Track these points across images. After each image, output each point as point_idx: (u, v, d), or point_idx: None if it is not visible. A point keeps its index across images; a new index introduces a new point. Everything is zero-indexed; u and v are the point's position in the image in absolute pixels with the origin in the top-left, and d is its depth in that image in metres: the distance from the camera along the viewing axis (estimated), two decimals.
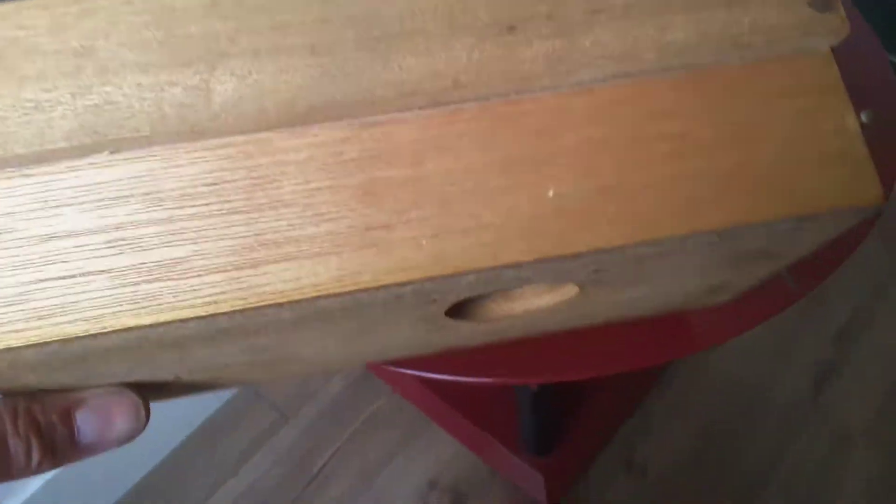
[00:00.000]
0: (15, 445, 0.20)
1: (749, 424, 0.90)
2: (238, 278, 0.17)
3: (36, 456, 0.20)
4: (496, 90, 0.18)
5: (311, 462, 0.94)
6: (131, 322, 0.17)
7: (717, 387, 0.94)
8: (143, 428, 0.22)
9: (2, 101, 0.17)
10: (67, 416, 0.21)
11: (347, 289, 0.17)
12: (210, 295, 0.17)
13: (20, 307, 0.16)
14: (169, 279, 0.17)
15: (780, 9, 0.19)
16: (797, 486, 0.85)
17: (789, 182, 0.19)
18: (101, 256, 0.17)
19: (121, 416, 0.22)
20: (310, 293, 0.17)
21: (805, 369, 0.94)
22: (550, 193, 0.18)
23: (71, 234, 0.17)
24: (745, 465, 0.87)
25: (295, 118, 0.18)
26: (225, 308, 0.17)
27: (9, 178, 0.17)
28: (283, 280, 0.17)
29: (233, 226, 0.17)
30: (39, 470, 0.21)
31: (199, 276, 0.17)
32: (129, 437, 0.22)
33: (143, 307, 0.17)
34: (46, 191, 0.17)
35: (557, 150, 0.19)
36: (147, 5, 0.17)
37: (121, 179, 0.17)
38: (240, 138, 0.17)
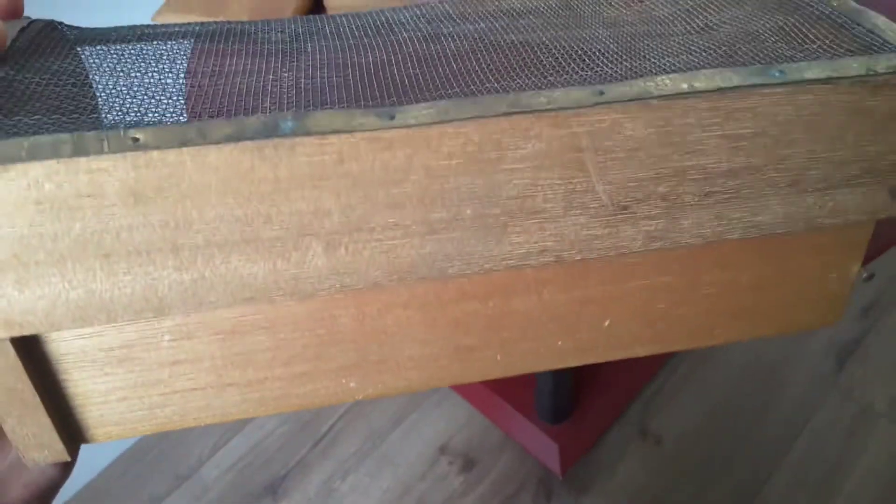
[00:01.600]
0: None
1: (767, 398, 0.88)
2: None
3: None
4: (589, 256, 0.21)
5: (319, 423, 0.92)
6: None
7: (736, 361, 0.92)
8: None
9: None
10: None
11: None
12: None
13: None
14: None
15: (863, 197, 0.22)
16: (816, 461, 0.83)
17: (783, 313, 0.26)
18: None
19: None
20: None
21: (827, 346, 0.92)
22: (606, 323, 0.24)
23: None
24: (762, 437, 0.85)
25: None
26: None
27: None
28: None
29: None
30: None
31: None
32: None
33: None
34: None
35: (620, 294, 0.24)
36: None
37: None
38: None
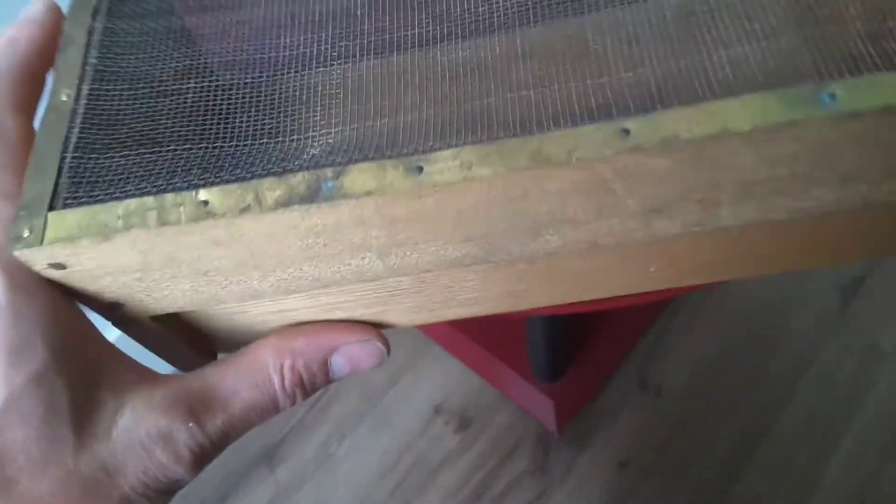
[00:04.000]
0: (283, 401, 0.24)
1: (770, 342, 0.86)
2: None
3: (300, 400, 0.24)
4: (625, 243, 0.21)
5: None
6: None
7: (737, 305, 0.89)
8: (382, 362, 0.25)
9: None
10: (325, 365, 0.24)
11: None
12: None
13: None
14: None
15: None
16: (821, 403, 0.82)
17: (847, 249, 0.25)
18: None
19: (367, 360, 0.24)
20: None
21: (830, 286, 0.89)
22: (652, 269, 0.24)
23: None
24: (765, 381, 0.84)
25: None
26: None
27: None
28: None
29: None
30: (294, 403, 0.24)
31: None
32: (370, 369, 0.25)
33: None
34: None
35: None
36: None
37: None
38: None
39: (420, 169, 0.19)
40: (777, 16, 0.20)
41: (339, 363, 0.24)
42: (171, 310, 0.23)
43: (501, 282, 0.25)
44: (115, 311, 0.22)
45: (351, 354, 0.24)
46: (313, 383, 0.24)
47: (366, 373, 0.25)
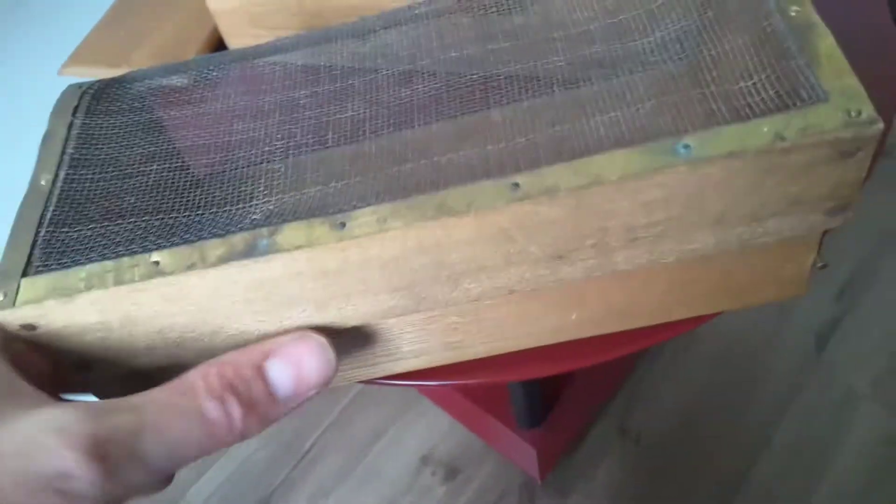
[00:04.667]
0: (213, 408, 0.20)
1: (748, 387, 0.88)
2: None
3: (237, 414, 0.21)
4: (538, 287, 0.24)
5: (301, 440, 0.92)
6: None
7: (714, 350, 0.91)
8: (334, 372, 0.23)
9: None
10: (259, 370, 0.22)
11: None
12: None
13: None
14: None
15: (797, 219, 0.23)
16: (799, 448, 0.83)
17: (744, 294, 0.28)
18: None
19: (309, 359, 0.22)
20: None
21: (805, 330, 0.91)
22: (573, 317, 0.27)
23: None
24: (744, 427, 0.85)
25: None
26: None
27: None
28: None
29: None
30: (247, 430, 0.21)
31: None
32: (323, 381, 0.22)
33: None
34: None
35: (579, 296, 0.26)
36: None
37: None
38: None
39: (343, 224, 0.21)
40: (646, 86, 0.23)
41: (277, 367, 0.22)
42: (134, 369, 0.24)
43: (437, 334, 0.27)
44: (82, 376, 0.24)
45: (288, 354, 0.22)
46: (249, 393, 0.21)
47: (318, 386, 0.22)
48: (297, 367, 0.22)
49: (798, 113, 0.20)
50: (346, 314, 0.24)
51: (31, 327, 0.22)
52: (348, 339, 0.26)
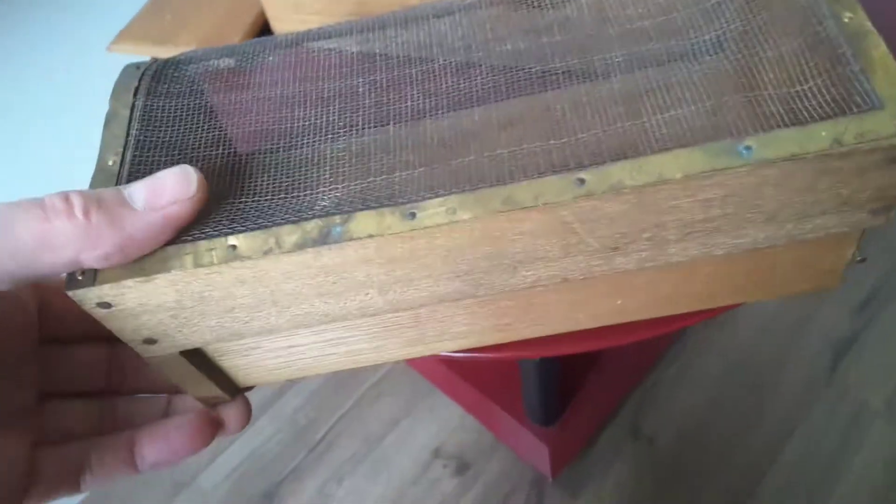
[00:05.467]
0: (51, 196, 0.21)
1: (762, 397, 0.88)
2: None
3: (77, 202, 0.21)
4: (591, 276, 0.25)
5: (315, 429, 0.93)
6: None
7: (730, 358, 0.91)
8: (196, 187, 0.22)
9: None
10: (116, 188, 0.22)
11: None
12: None
13: None
14: None
15: (842, 217, 0.23)
16: (810, 461, 0.83)
17: (782, 284, 0.29)
18: None
19: (168, 173, 0.22)
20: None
21: (823, 344, 0.91)
22: (618, 302, 0.28)
23: None
24: (756, 437, 0.85)
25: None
26: None
27: None
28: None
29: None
30: (95, 227, 0.21)
31: None
32: (181, 194, 0.22)
33: None
34: None
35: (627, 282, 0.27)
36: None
37: None
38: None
39: (413, 214, 0.22)
40: (704, 85, 0.24)
41: (134, 184, 0.23)
42: (197, 344, 0.26)
43: (488, 316, 0.28)
44: (149, 346, 0.25)
45: (149, 177, 0.23)
46: (98, 195, 0.22)
47: (177, 198, 0.22)
48: (153, 179, 0.22)
49: (855, 119, 0.21)
50: (406, 297, 0.25)
51: (107, 305, 0.23)
52: (403, 320, 0.27)
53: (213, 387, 0.28)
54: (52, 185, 0.23)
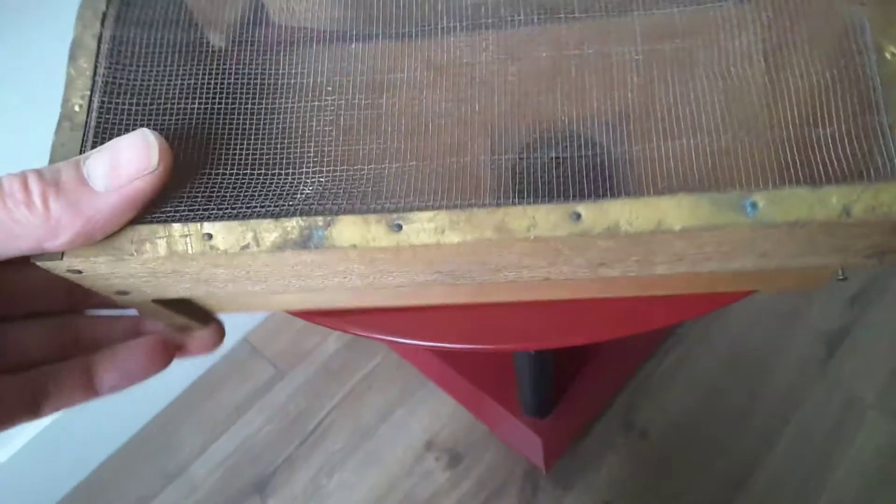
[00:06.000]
0: (8, 178, 0.20)
1: (754, 389, 0.88)
2: None
3: (35, 187, 0.20)
4: (575, 279, 0.25)
5: (306, 420, 0.92)
6: None
7: (723, 351, 0.91)
8: (158, 160, 0.21)
9: None
10: (75, 162, 0.21)
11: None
12: None
13: None
14: None
15: (836, 259, 0.23)
16: (802, 453, 0.83)
17: (769, 283, 0.30)
18: None
19: (129, 146, 0.21)
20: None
21: (815, 336, 0.91)
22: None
23: None
24: (748, 429, 0.85)
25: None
26: None
27: None
28: None
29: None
30: (55, 213, 0.20)
31: None
32: (142, 168, 0.21)
33: None
34: None
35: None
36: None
37: None
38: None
39: (399, 227, 0.21)
40: (722, 110, 0.22)
41: (93, 159, 0.21)
42: (171, 297, 0.25)
43: (466, 291, 0.29)
44: (122, 296, 0.25)
45: (107, 148, 0.21)
46: (57, 177, 0.21)
47: (138, 174, 0.21)
48: (113, 151, 0.21)
49: (869, 189, 0.19)
50: (385, 282, 0.25)
51: (77, 272, 0.22)
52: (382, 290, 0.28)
53: (186, 319, 0.28)
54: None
